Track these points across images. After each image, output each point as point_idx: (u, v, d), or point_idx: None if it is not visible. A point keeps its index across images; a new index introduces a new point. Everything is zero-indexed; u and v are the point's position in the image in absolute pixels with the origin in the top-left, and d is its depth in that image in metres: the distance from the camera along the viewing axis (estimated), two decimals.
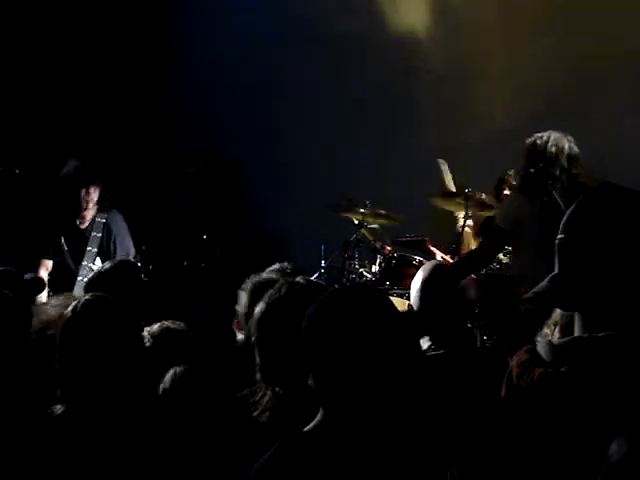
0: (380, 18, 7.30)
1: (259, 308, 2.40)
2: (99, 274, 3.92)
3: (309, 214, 6.99)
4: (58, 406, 2.44)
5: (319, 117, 7.48)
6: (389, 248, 5.90)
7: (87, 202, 5.47)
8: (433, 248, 5.68)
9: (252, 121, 7.77)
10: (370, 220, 5.96)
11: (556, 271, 1.53)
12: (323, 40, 7.50)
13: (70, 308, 2.51)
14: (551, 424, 1.38)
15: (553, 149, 4.46)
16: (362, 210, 5.88)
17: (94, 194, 5.49)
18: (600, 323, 1.46)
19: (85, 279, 5.35)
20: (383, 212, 5.94)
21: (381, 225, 6.06)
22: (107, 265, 4.01)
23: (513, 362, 1.47)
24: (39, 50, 7.19)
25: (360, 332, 1.77)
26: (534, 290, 1.54)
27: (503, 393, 1.46)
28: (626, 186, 1.57)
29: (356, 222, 5.98)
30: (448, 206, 5.92)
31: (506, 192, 5.71)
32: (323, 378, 1.78)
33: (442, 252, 5.65)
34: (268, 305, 2.38)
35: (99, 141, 7.39)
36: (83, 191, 5.43)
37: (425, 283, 2.92)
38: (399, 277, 5.59)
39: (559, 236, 1.55)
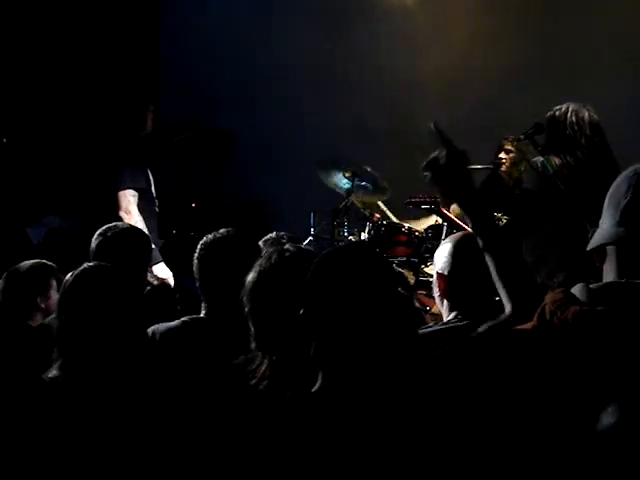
0: None
1: (250, 277, 2.39)
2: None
3: (298, 182, 6.98)
4: (53, 370, 2.47)
5: (307, 84, 7.44)
6: (378, 215, 5.91)
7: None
8: (447, 212, 5.54)
9: (240, 89, 7.72)
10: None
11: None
12: (307, 6, 7.46)
13: (70, 274, 2.56)
14: (584, 361, 1.39)
15: (573, 118, 4.44)
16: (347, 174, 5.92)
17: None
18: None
19: None
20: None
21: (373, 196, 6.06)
22: None
23: (547, 300, 1.48)
24: (22, 29, 7.11)
25: (358, 289, 1.76)
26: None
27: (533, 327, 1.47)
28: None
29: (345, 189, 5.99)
30: None
31: (501, 155, 5.77)
32: (322, 336, 1.78)
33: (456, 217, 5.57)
34: (259, 274, 2.36)
35: (86, 111, 7.34)
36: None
37: (454, 252, 2.80)
38: (388, 244, 5.60)
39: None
